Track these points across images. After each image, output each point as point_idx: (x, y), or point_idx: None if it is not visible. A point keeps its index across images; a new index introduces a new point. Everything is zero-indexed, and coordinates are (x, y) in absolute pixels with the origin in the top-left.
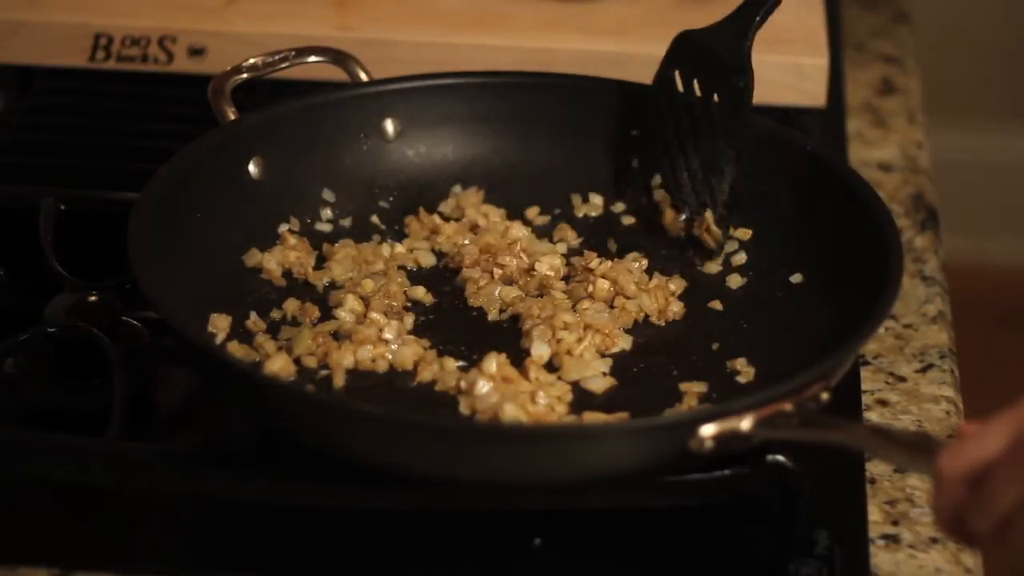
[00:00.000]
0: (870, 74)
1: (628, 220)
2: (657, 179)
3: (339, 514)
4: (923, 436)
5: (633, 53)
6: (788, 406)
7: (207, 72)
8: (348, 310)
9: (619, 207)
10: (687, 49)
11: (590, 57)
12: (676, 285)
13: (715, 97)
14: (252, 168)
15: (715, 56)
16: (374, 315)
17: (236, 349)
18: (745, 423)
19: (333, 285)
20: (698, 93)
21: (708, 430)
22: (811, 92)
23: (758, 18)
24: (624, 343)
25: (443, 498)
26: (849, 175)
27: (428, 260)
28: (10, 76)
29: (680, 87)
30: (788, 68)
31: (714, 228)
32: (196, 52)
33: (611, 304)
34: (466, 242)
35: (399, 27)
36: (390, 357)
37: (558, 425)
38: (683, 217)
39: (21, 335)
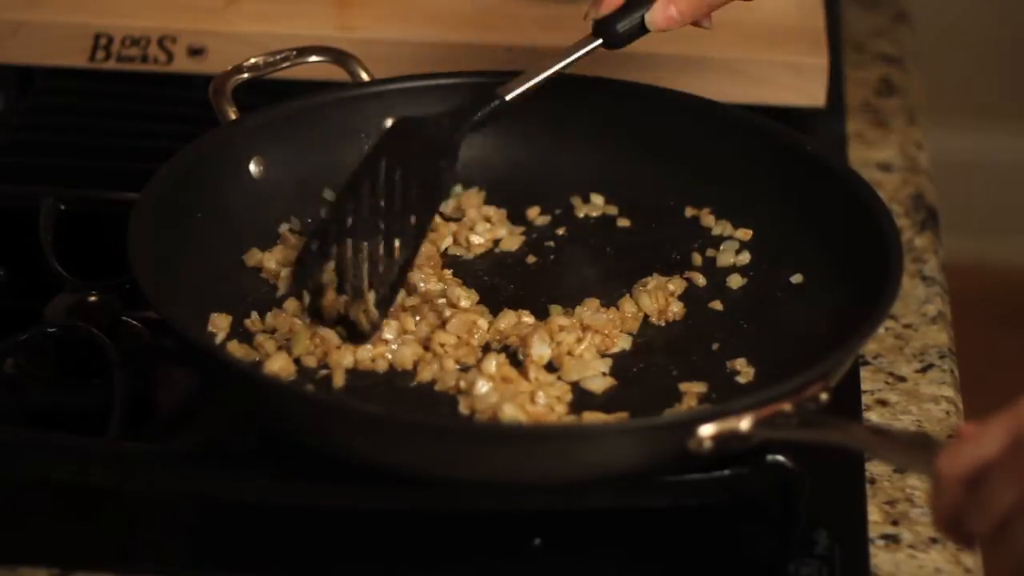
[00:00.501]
0: (870, 74)
1: (623, 223)
2: (331, 264)
3: (339, 514)
4: (922, 436)
5: (633, 53)
6: (787, 406)
7: (207, 72)
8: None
9: (613, 209)
10: (402, 132)
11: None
12: (676, 285)
13: (414, 179)
14: (253, 168)
15: (428, 140)
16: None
17: (236, 349)
18: (744, 423)
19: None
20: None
21: (707, 430)
22: (811, 92)
23: (476, 116)
24: (624, 343)
25: (443, 498)
26: (849, 175)
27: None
28: (10, 76)
29: (382, 171)
30: (788, 68)
31: (372, 309)
32: (196, 52)
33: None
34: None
35: (399, 27)
36: (390, 357)
37: (557, 425)
38: (343, 299)
39: (21, 335)
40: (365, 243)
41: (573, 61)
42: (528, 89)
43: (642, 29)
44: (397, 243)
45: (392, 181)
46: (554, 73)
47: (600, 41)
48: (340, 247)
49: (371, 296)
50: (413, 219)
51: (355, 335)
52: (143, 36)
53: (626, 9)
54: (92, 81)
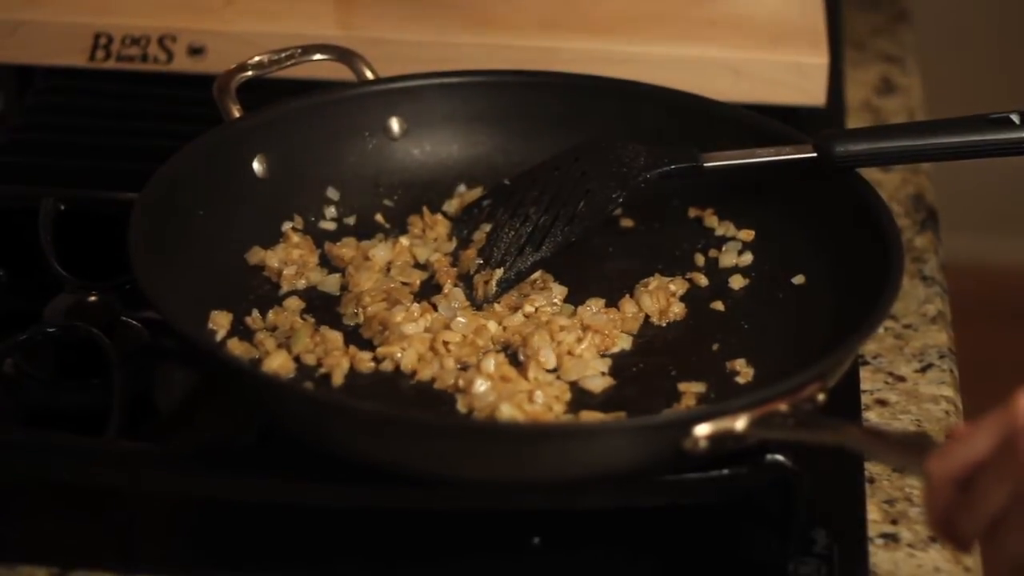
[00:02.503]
0: (870, 73)
1: (627, 223)
2: (487, 227)
3: (339, 513)
4: (916, 437)
5: (635, 51)
6: (783, 406)
7: (207, 71)
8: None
9: (616, 209)
10: (604, 146)
11: (592, 56)
12: (677, 286)
13: (588, 194)
14: (257, 166)
15: (617, 167)
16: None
17: (236, 346)
18: (740, 423)
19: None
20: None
21: (702, 430)
22: (811, 91)
23: (671, 168)
24: (624, 343)
25: (442, 497)
26: (851, 176)
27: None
28: (10, 75)
29: (570, 171)
30: (788, 67)
31: (492, 284)
32: (196, 51)
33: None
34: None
35: (399, 26)
36: (399, 356)
37: (550, 424)
38: (478, 262)
39: (20, 335)
40: (523, 226)
41: (783, 161)
42: (728, 167)
43: (861, 160)
44: (545, 242)
45: (571, 185)
46: (760, 163)
47: (815, 154)
48: (503, 216)
49: (498, 272)
50: (565, 228)
51: (469, 297)
52: (143, 35)
53: (853, 136)
54: (92, 80)
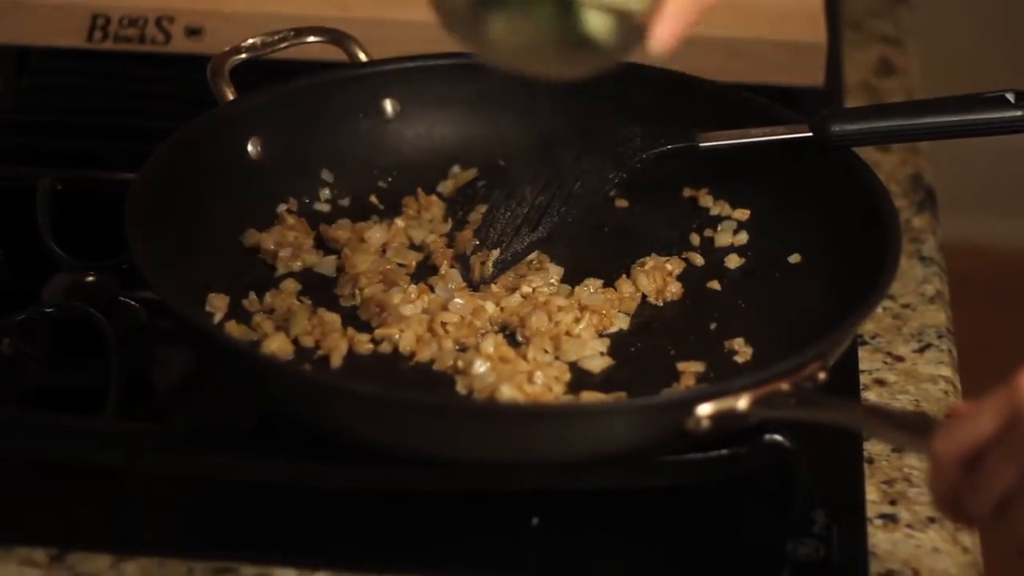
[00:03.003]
0: (868, 54)
1: (622, 203)
2: (483, 208)
3: (338, 494)
4: (918, 416)
5: None
6: (785, 385)
7: (205, 52)
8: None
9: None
10: (595, 128)
11: None
12: (674, 265)
13: (584, 175)
14: (251, 148)
15: (615, 147)
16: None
17: (234, 329)
18: (742, 402)
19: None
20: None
21: (705, 409)
22: (809, 71)
23: (667, 148)
24: (622, 323)
25: (442, 478)
26: (847, 155)
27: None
28: (7, 56)
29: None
30: (786, 47)
31: (489, 265)
32: (194, 32)
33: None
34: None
35: (396, 8)
36: (397, 338)
37: (552, 405)
38: (475, 243)
39: (18, 315)
40: (519, 207)
41: (779, 140)
42: (724, 147)
43: (856, 139)
44: (541, 223)
45: (567, 165)
46: (755, 143)
47: (810, 133)
48: (498, 197)
49: (495, 253)
50: (561, 209)
51: (465, 278)
52: (141, 16)
53: (848, 115)
54: (89, 61)
